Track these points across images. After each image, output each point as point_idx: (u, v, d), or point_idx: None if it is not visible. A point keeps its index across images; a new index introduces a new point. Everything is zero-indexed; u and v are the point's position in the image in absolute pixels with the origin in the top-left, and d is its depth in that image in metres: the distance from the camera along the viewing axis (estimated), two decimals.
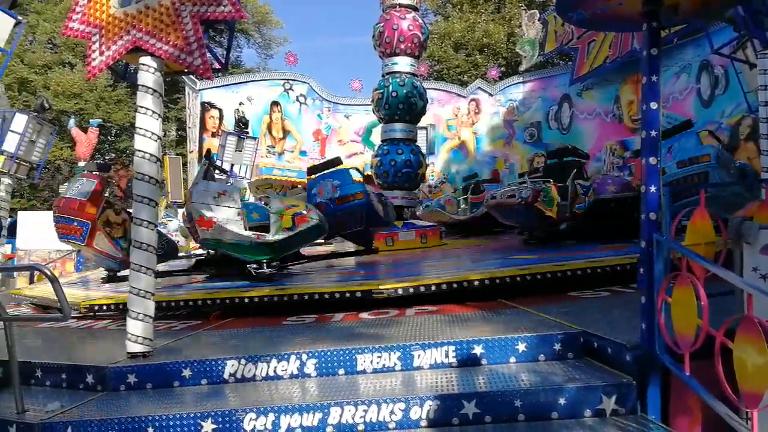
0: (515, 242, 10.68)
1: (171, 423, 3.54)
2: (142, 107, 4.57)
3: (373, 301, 5.83)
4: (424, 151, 13.98)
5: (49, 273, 3.95)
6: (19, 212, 20.76)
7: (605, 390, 3.42)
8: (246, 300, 6.12)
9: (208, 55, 4.55)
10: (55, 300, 5.61)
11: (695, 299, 3.00)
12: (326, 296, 5.92)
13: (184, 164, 22.76)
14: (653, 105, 3.59)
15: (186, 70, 4.77)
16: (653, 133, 3.58)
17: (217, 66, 5.05)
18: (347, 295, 5.91)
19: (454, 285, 5.82)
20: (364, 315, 5.57)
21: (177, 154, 25.34)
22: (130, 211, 8.80)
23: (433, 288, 5.78)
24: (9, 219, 10.14)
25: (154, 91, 4.61)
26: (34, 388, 4.52)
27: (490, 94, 22.80)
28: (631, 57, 15.85)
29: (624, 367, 3.56)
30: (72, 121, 16.43)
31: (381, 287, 5.85)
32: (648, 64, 3.63)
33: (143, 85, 4.59)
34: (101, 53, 4.69)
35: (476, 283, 5.83)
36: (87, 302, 6.76)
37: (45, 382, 4.60)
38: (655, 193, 3.52)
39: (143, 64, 4.60)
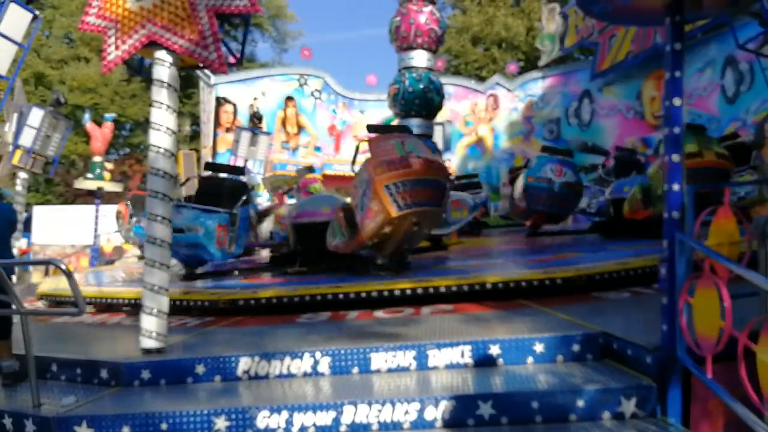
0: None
1: (184, 419, 3.53)
2: (157, 102, 4.57)
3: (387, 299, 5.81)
4: (440, 147, 13.87)
5: (64, 268, 3.96)
6: (34, 207, 20.93)
7: (625, 392, 3.35)
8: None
9: (223, 49, 4.53)
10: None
11: (718, 300, 2.92)
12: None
13: (198, 159, 22.85)
14: (676, 101, 3.51)
15: (201, 65, 4.75)
16: (676, 129, 3.49)
17: (231, 60, 5.02)
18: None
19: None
20: (379, 314, 5.52)
21: (191, 150, 25.45)
22: None
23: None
24: (24, 213, 10.23)
25: (169, 85, 4.59)
26: (49, 383, 4.53)
27: (509, 90, 22.57)
28: (653, 52, 15.62)
29: (644, 369, 3.49)
30: (87, 116, 16.55)
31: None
32: (671, 60, 3.54)
33: (158, 80, 4.58)
34: (117, 47, 4.68)
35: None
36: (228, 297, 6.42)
37: (60, 376, 4.62)
38: (678, 192, 3.44)
39: (158, 59, 4.59)
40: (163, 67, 4.59)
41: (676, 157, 3.47)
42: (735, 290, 2.95)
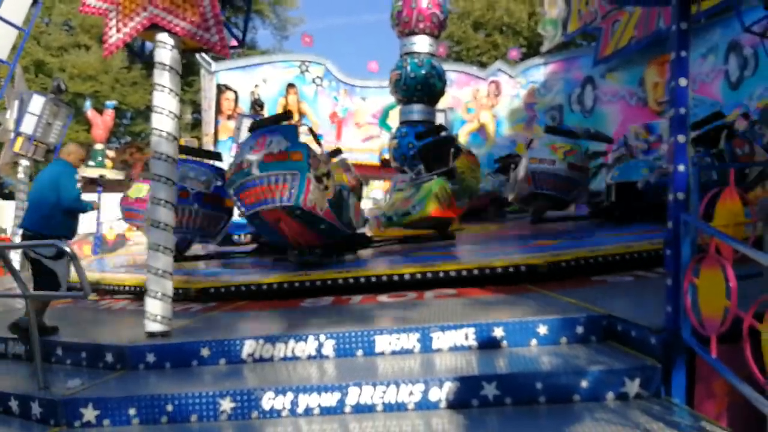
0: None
1: (190, 401, 3.55)
2: (159, 85, 4.55)
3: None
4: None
5: (69, 251, 3.96)
6: None
7: (629, 373, 3.35)
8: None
9: (225, 31, 4.51)
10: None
11: (723, 281, 2.92)
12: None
13: (200, 147, 22.78)
14: (682, 81, 3.48)
15: (203, 47, 4.73)
16: (682, 110, 3.47)
17: (233, 43, 4.99)
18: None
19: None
20: (383, 298, 5.53)
21: (192, 137, 25.39)
22: None
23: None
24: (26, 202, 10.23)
25: (171, 68, 4.57)
26: (54, 366, 4.57)
27: (511, 76, 22.39)
28: (656, 37, 15.47)
29: (648, 350, 3.49)
30: (88, 104, 16.51)
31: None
32: (677, 39, 3.51)
33: (160, 63, 4.56)
34: (118, 30, 4.65)
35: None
36: (199, 285, 6.46)
37: (65, 360, 4.65)
38: (683, 173, 3.42)
39: (160, 42, 4.57)
40: (165, 50, 4.57)
41: (681, 138, 3.45)
42: (739, 271, 2.94)
